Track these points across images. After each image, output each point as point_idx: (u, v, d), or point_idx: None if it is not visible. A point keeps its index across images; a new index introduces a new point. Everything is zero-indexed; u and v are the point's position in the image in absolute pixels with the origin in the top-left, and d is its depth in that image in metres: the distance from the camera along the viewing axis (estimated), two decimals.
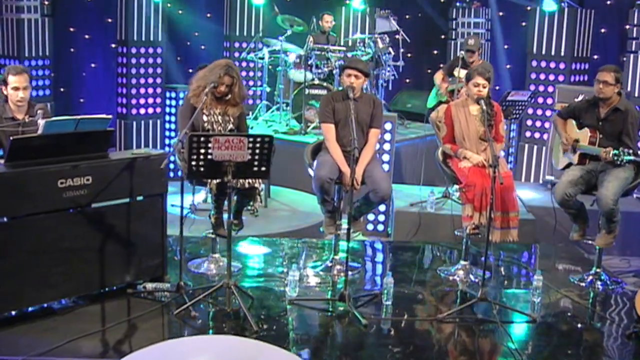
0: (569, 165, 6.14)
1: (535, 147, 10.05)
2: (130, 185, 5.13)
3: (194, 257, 6.15)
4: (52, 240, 4.79)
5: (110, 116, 5.09)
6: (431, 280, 6.04)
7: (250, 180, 5.49)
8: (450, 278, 6.02)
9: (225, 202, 5.46)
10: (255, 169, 4.91)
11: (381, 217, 7.98)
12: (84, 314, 4.94)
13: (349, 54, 10.04)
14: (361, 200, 5.99)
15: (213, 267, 5.87)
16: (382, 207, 7.93)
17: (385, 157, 7.85)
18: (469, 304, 5.29)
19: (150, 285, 5.32)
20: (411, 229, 7.31)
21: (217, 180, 5.41)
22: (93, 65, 11.43)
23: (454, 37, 11.80)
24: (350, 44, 10.87)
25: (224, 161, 4.78)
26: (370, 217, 7.91)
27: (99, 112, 11.44)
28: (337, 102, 5.93)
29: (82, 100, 11.37)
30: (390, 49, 10.37)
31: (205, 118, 5.66)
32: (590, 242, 6.07)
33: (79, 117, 4.98)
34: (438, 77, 8.59)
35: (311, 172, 5.91)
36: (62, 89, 11.04)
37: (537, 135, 10.11)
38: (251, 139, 4.78)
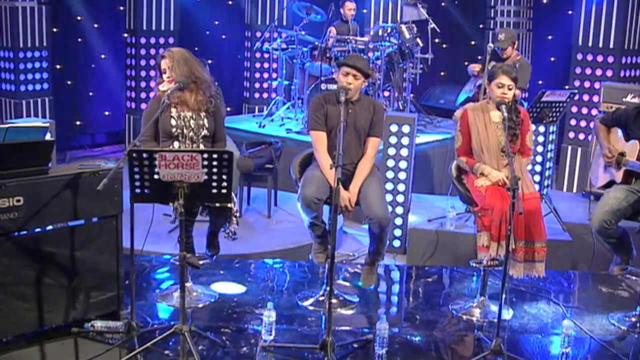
0: (610, 183, 5.11)
1: (579, 149, 8.88)
2: (74, 206, 4.32)
3: (169, 284, 5.34)
4: None
5: (47, 124, 4.29)
6: (440, 319, 5.05)
7: None
8: (464, 317, 5.02)
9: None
10: (214, 191, 4.03)
11: (397, 232, 7.01)
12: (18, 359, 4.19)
13: (379, 45, 9.17)
14: (369, 237, 5.05)
15: None
16: (398, 221, 6.98)
17: (403, 164, 6.87)
18: (479, 358, 4.33)
19: (99, 324, 4.50)
20: (427, 249, 6.32)
21: None
22: (103, 56, 10.69)
23: (492, 26, 10.75)
24: (380, 32, 9.92)
25: (174, 182, 3.92)
26: None
27: (109, 107, 10.92)
28: (331, 105, 5.00)
29: (91, 94, 10.65)
30: (419, 40, 9.42)
31: (173, 122, 4.83)
32: (634, 277, 5.03)
33: (7, 125, 4.18)
34: (475, 67, 7.59)
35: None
36: (69, 82, 10.32)
37: (581, 136, 8.93)
38: (206, 156, 3.91)
